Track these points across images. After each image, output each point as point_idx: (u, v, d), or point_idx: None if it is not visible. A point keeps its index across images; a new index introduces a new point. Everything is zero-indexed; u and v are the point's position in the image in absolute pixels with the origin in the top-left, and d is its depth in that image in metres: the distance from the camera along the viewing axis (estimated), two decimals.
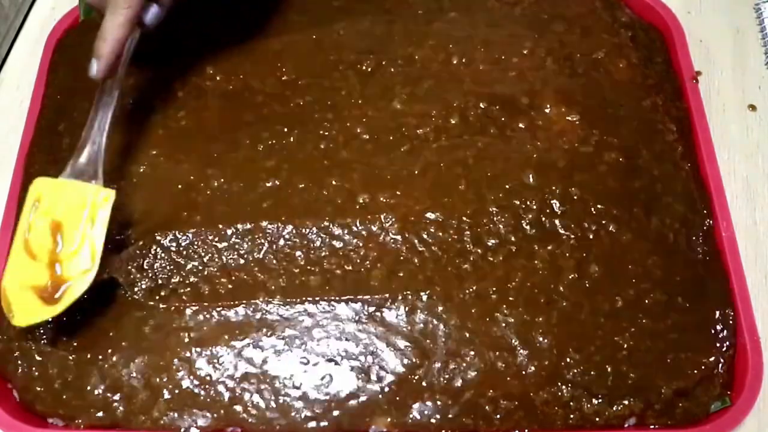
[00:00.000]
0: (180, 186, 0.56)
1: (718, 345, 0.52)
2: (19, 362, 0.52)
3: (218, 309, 0.52)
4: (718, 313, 0.53)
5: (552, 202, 0.54)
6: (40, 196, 0.50)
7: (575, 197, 0.54)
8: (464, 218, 0.54)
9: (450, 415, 0.49)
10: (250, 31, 0.64)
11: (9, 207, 0.58)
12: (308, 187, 0.56)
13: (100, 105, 0.53)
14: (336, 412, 0.50)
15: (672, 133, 0.59)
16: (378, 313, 0.52)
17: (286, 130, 0.58)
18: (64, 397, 0.51)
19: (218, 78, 0.61)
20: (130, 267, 0.53)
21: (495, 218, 0.54)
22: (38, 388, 0.51)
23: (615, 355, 0.50)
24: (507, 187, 0.55)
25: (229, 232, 0.54)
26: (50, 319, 0.50)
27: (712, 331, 0.52)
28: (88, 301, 0.52)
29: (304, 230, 0.54)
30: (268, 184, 0.56)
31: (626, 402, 0.50)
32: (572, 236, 0.53)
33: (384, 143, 0.57)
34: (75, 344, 0.52)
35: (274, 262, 0.53)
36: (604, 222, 0.54)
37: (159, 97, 0.61)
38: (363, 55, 0.62)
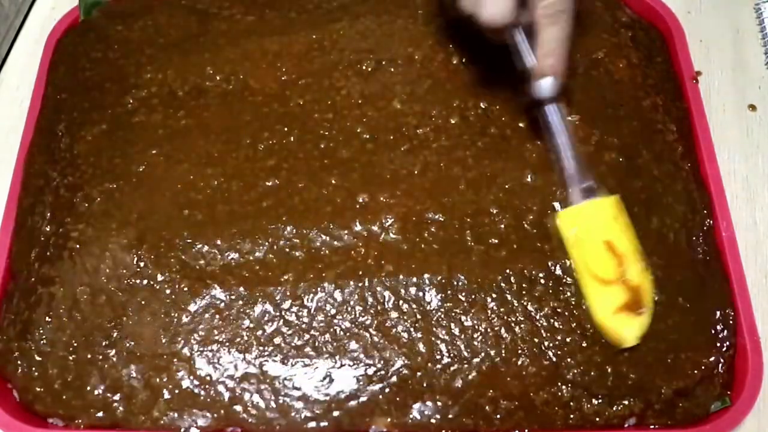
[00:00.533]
0: (180, 186, 0.56)
1: (718, 345, 0.52)
2: (19, 362, 0.52)
3: (218, 309, 0.52)
4: (718, 313, 0.53)
5: (553, 202, 0.54)
6: (571, 225, 0.52)
7: None
8: (465, 218, 0.54)
9: (450, 416, 0.49)
10: (250, 31, 0.64)
11: (9, 207, 0.58)
12: (308, 187, 0.56)
13: (554, 130, 0.52)
14: (336, 412, 0.50)
15: (672, 133, 0.59)
16: (378, 313, 0.52)
17: (286, 129, 0.58)
18: (64, 397, 0.51)
19: (218, 78, 0.61)
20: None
21: (495, 218, 0.54)
22: (38, 389, 0.51)
23: (615, 355, 0.50)
24: (507, 186, 0.55)
25: (229, 231, 0.54)
26: (48, 319, 0.50)
27: (712, 331, 0.52)
28: (88, 301, 0.52)
29: (304, 230, 0.54)
30: (268, 184, 0.56)
31: (626, 402, 0.50)
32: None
33: (384, 143, 0.57)
34: (75, 344, 0.52)
35: (275, 261, 0.53)
36: None
37: (159, 97, 0.61)
38: (363, 55, 0.62)
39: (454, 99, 0.59)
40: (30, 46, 0.71)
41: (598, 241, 0.51)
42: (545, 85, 0.50)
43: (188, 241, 0.54)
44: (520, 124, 0.58)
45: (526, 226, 0.53)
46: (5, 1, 0.69)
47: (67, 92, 0.63)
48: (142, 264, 0.53)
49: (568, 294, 0.52)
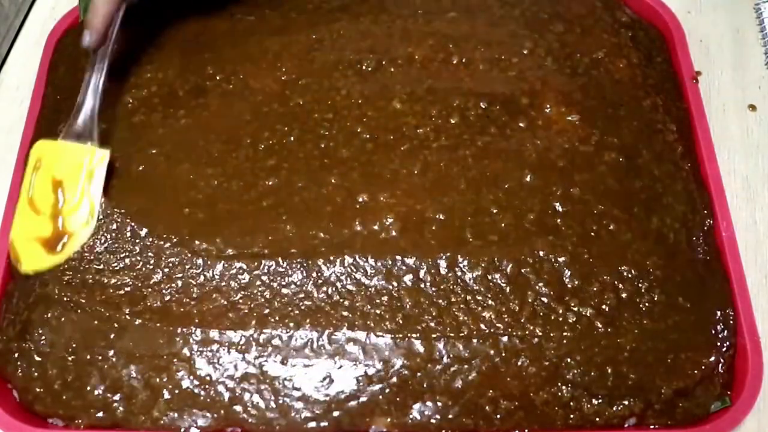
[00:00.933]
0: (179, 185, 0.56)
1: (718, 345, 0.52)
2: (19, 363, 0.52)
3: (218, 308, 0.52)
4: (718, 313, 0.53)
5: (552, 202, 0.54)
6: (41, 157, 0.55)
7: (576, 197, 0.54)
8: (465, 218, 0.54)
9: (450, 416, 0.49)
10: (250, 31, 0.64)
11: (9, 207, 0.58)
12: (308, 186, 0.56)
13: (93, 71, 0.56)
14: (336, 413, 0.50)
15: (672, 133, 0.59)
16: (378, 314, 0.52)
17: (286, 129, 0.58)
18: (64, 397, 0.51)
19: (218, 78, 0.61)
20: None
21: (496, 218, 0.54)
22: (38, 389, 0.51)
23: (616, 355, 0.50)
24: (506, 186, 0.55)
25: (230, 230, 0.54)
26: (48, 315, 0.50)
27: (713, 331, 0.52)
28: (87, 301, 0.52)
29: (303, 230, 0.54)
30: (268, 183, 0.56)
31: (626, 402, 0.50)
32: (573, 236, 0.53)
33: (384, 143, 0.57)
34: (74, 344, 0.51)
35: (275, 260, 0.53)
36: (604, 222, 0.54)
37: (158, 97, 0.61)
38: (363, 54, 0.62)
39: (454, 99, 0.59)
40: (30, 46, 0.71)
41: (51, 175, 0.54)
42: (85, 37, 0.55)
43: (187, 238, 0.54)
44: (521, 124, 0.58)
45: (526, 225, 0.53)
46: (5, 1, 0.69)
47: (67, 92, 0.63)
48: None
49: (569, 294, 0.52)
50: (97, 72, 0.56)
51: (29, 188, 0.54)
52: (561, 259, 0.52)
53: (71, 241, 0.53)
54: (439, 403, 0.50)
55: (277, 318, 0.52)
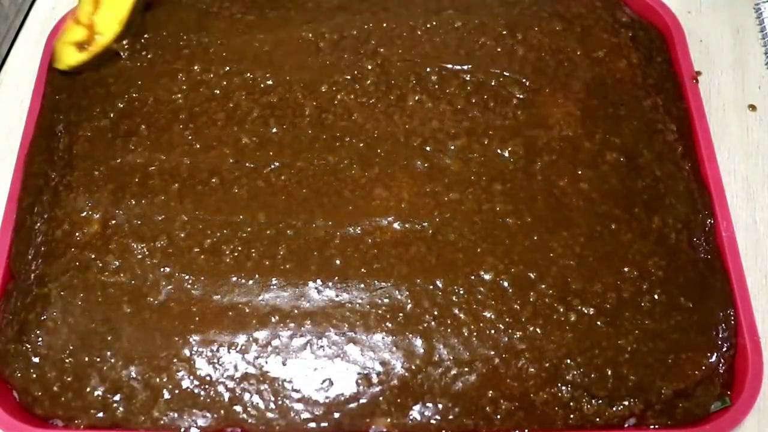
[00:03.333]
0: (177, 184, 0.56)
1: (718, 345, 0.52)
2: (18, 365, 0.52)
3: (218, 308, 0.52)
4: (719, 313, 0.53)
5: (556, 202, 0.54)
6: None
7: (577, 196, 0.54)
8: (465, 217, 0.54)
9: (450, 416, 0.49)
10: (249, 30, 0.64)
11: (9, 207, 0.58)
12: (307, 186, 0.56)
13: None
14: (336, 413, 0.50)
15: (672, 133, 0.59)
16: (379, 314, 0.52)
17: (284, 127, 0.58)
18: (63, 398, 0.51)
19: (218, 78, 0.61)
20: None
21: (499, 220, 0.54)
22: (37, 391, 0.51)
23: (616, 356, 0.50)
24: (508, 186, 0.55)
25: (225, 231, 0.54)
26: (45, 316, 0.49)
27: (713, 331, 0.52)
28: (85, 301, 0.52)
29: (302, 230, 0.54)
30: (271, 177, 0.56)
31: (626, 402, 0.50)
32: (581, 236, 0.53)
33: (384, 142, 0.57)
34: (73, 345, 0.51)
35: (277, 257, 0.53)
36: (606, 222, 0.54)
37: (158, 96, 0.60)
38: (363, 54, 0.61)
39: (455, 99, 0.59)
40: (30, 46, 0.71)
41: None
42: None
43: (181, 235, 0.54)
44: (518, 111, 0.58)
45: (533, 225, 0.54)
46: (5, 1, 0.69)
47: (66, 92, 0.63)
48: (141, 263, 0.53)
49: (569, 295, 0.52)
50: None
51: (76, 6, 0.64)
52: (568, 261, 0.52)
53: (99, 40, 0.62)
54: (440, 404, 0.50)
55: (277, 318, 0.52)
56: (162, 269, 0.53)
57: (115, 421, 0.50)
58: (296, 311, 0.52)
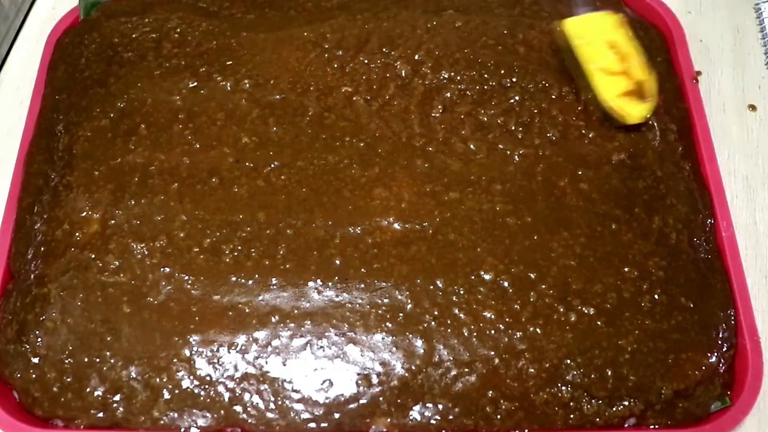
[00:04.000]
0: (176, 184, 0.56)
1: (718, 345, 0.52)
2: (17, 365, 0.52)
3: (218, 307, 0.52)
4: (720, 313, 0.53)
5: (559, 202, 0.54)
6: (579, 32, 0.59)
7: (577, 197, 0.54)
8: (465, 217, 0.54)
9: (450, 416, 0.49)
10: (249, 29, 0.64)
11: (9, 207, 0.58)
12: (307, 185, 0.56)
13: None
14: (336, 413, 0.50)
15: (672, 133, 0.59)
16: (379, 314, 0.52)
17: (284, 127, 0.58)
18: (63, 399, 0.51)
19: (218, 78, 0.61)
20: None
21: (500, 219, 0.54)
22: (37, 392, 0.51)
23: (617, 357, 0.50)
24: (508, 186, 0.55)
25: (225, 230, 0.54)
26: (44, 316, 0.49)
27: (713, 332, 0.52)
28: (85, 301, 0.52)
29: (302, 229, 0.54)
30: (271, 177, 0.56)
31: (626, 402, 0.50)
32: (582, 236, 0.53)
33: (384, 142, 0.57)
34: (73, 345, 0.51)
35: (277, 257, 0.53)
36: (606, 222, 0.54)
37: (158, 95, 0.60)
38: (363, 53, 0.61)
39: (455, 98, 0.59)
40: (30, 46, 0.71)
41: (603, 41, 0.58)
42: None
43: (181, 235, 0.54)
44: (517, 110, 0.58)
45: (534, 224, 0.54)
46: (5, 0, 0.69)
47: (66, 92, 0.63)
48: (141, 263, 0.53)
49: (569, 295, 0.52)
50: None
51: (588, 60, 0.58)
52: (568, 261, 0.52)
53: (648, 85, 0.57)
54: (440, 404, 0.49)
55: (277, 318, 0.52)
56: (162, 269, 0.53)
57: (115, 421, 0.50)
58: (296, 311, 0.52)
